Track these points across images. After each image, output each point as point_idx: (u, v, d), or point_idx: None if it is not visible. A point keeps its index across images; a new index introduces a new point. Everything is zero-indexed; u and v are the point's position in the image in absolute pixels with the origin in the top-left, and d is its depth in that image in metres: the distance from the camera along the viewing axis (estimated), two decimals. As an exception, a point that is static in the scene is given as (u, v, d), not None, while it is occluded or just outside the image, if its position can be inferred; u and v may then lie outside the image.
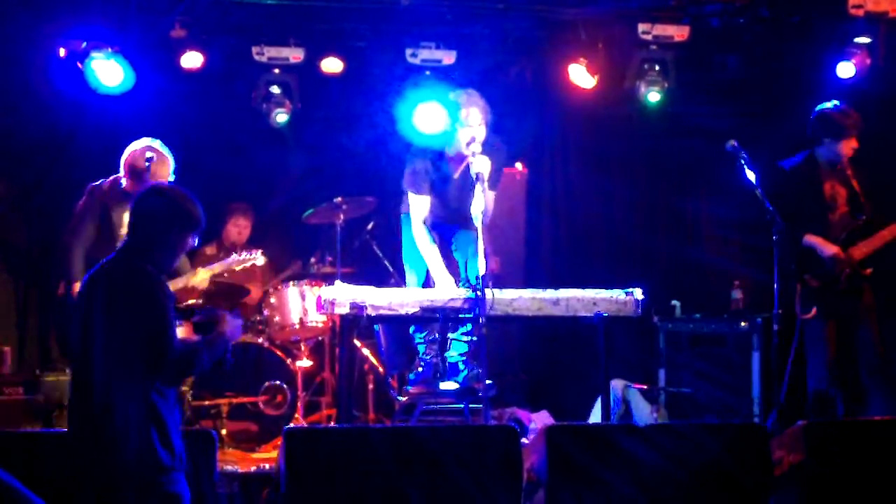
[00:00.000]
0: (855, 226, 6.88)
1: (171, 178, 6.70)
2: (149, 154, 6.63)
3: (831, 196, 6.94)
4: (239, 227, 8.52)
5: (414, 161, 6.69)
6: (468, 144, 6.42)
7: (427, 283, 6.73)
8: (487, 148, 6.44)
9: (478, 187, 6.09)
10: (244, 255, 7.50)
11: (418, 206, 6.64)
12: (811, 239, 6.84)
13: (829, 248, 6.78)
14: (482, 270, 5.88)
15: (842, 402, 6.94)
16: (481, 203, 6.04)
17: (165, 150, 6.76)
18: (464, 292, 6.08)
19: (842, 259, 6.78)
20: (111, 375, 4.25)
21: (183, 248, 4.51)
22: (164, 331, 4.27)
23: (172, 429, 4.32)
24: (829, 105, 6.98)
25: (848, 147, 6.93)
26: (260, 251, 7.63)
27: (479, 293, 5.83)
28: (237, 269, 7.44)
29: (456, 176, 6.67)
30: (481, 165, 6.18)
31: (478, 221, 5.99)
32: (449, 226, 6.82)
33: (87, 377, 4.31)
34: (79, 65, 7.72)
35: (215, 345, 4.44)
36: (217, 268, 7.27)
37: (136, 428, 4.23)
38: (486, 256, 5.97)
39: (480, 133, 6.45)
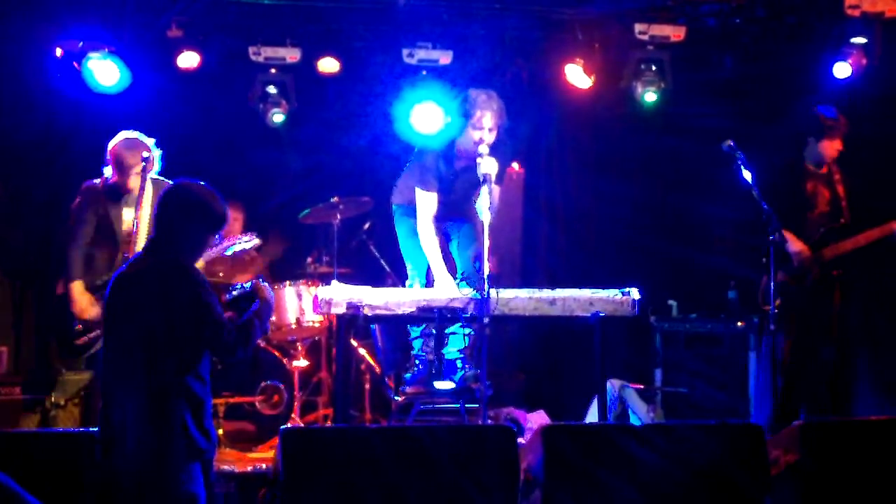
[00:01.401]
0: (832, 227, 6.91)
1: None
2: (145, 154, 6.61)
3: (812, 195, 6.94)
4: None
5: (424, 157, 6.68)
6: (476, 144, 6.43)
7: (428, 278, 6.73)
8: (493, 147, 6.46)
9: (484, 188, 6.08)
10: (239, 238, 7.35)
11: (427, 202, 6.63)
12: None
13: (796, 245, 6.85)
14: (487, 271, 5.88)
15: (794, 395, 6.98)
16: (487, 203, 6.03)
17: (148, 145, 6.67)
18: (464, 292, 6.08)
19: (807, 256, 6.82)
20: (149, 372, 4.38)
21: (207, 243, 4.67)
22: (212, 313, 4.43)
23: (208, 413, 4.49)
24: (818, 105, 7.02)
25: (831, 148, 6.95)
26: (254, 235, 7.47)
27: (483, 294, 5.83)
28: (228, 252, 7.25)
29: (459, 170, 6.66)
30: (489, 167, 6.17)
31: (485, 222, 5.98)
32: (451, 220, 6.82)
33: (122, 378, 4.44)
34: (75, 65, 7.72)
35: (264, 312, 4.65)
36: (212, 252, 7.12)
37: (168, 424, 4.37)
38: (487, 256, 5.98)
39: (490, 137, 6.46)
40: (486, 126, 6.46)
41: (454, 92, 6.86)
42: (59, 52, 7.76)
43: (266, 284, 4.80)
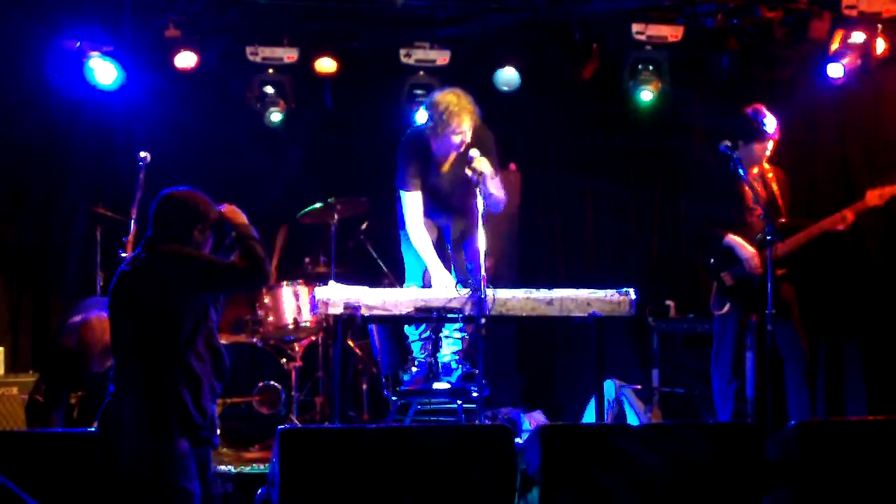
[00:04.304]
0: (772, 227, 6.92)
1: None
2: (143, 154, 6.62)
3: (751, 197, 6.93)
4: None
5: (402, 158, 6.66)
6: (458, 146, 6.43)
7: (424, 283, 6.71)
8: (474, 138, 6.45)
9: (478, 190, 6.09)
10: None
11: (411, 203, 6.62)
12: (731, 239, 6.89)
13: (746, 251, 6.84)
14: (483, 271, 5.89)
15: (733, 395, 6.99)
16: (482, 205, 6.04)
17: None
18: (461, 293, 6.08)
19: (757, 261, 6.84)
20: (146, 348, 4.51)
21: (206, 244, 4.74)
22: (204, 260, 4.64)
23: (206, 392, 4.57)
24: (747, 108, 7.02)
25: (761, 150, 6.95)
26: None
27: (480, 294, 5.84)
28: None
29: (445, 169, 6.65)
30: (482, 166, 6.18)
31: (480, 223, 5.99)
32: (445, 214, 6.82)
33: (123, 362, 4.59)
34: (82, 59, 7.72)
35: (243, 231, 4.75)
36: None
37: (162, 396, 4.47)
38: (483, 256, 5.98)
39: (469, 134, 6.45)
40: (464, 129, 6.44)
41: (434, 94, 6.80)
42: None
43: (232, 206, 4.87)
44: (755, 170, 6.98)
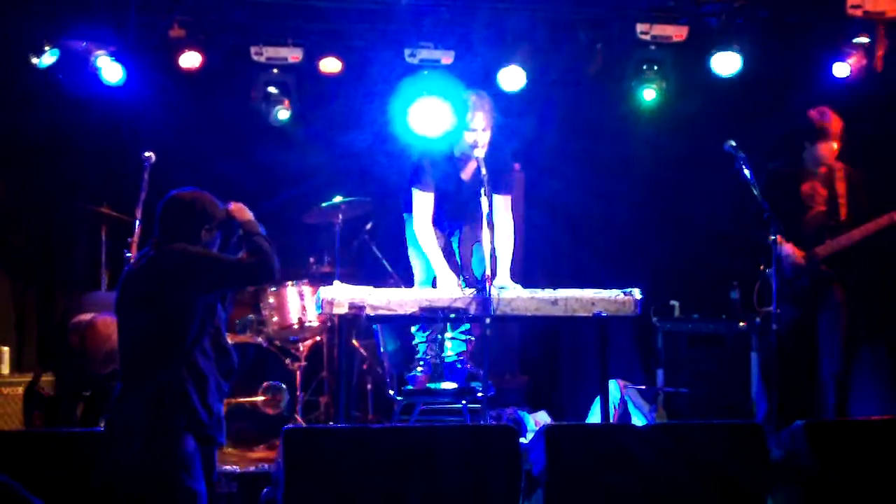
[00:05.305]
0: (825, 225, 6.92)
1: None
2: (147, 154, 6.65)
3: (809, 196, 6.97)
4: None
5: (420, 158, 6.70)
6: (472, 147, 6.44)
7: (435, 283, 6.72)
8: (492, 150, 6.47)
9: (482, 190, 6.11)
10: None
11: (422, 202, 6.63)
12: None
13: (786, 247, 6.83)
14: (488, 271, 5.89)
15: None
16: (487, 205, 6.06)
17: None
18: (466, 293, 6.08)
19: (799, 257, 6.83)
20: (153, 346, 4.53)
21: (214, 243, 4.78)
22: (210, 256, 4.66)
23: (213, 390, 4.59)
24: (810, 109, 7.05)
25: (826, 150, 6.99)
26: None
27: (484, 294, 5.85)
28: None
29: (465, 176, 6.68)
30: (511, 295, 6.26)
31: (485, 225, 6.00)
32: (455, 222, 6.83)
33: (132, 360, 4.61)
34: (88, 59, 7.73)
35: (250, 227, 4.78)
36: None
37: (168, 395, 4.48)
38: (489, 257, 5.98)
39: (484, 137, 6.47)
40: (478, 127, 6.47)
41: (456, 91, 6.84)
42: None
43: (239, 204, 4.89)
44: (822, 169, 7.02)
